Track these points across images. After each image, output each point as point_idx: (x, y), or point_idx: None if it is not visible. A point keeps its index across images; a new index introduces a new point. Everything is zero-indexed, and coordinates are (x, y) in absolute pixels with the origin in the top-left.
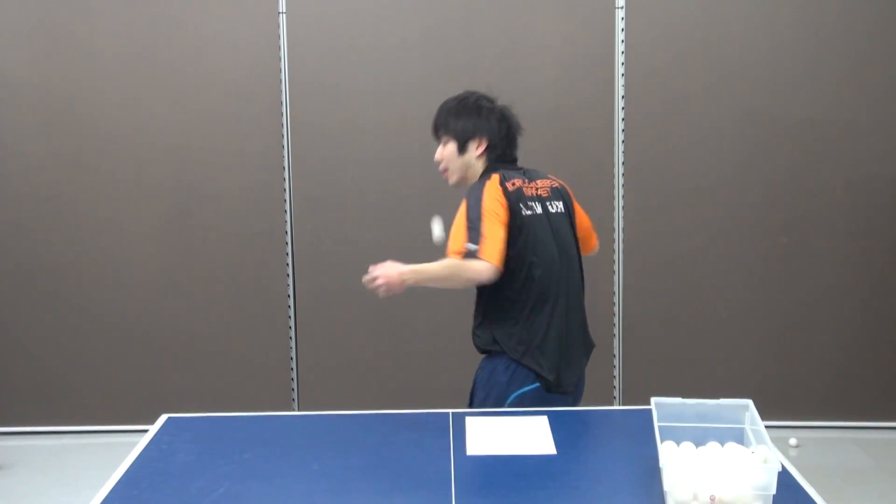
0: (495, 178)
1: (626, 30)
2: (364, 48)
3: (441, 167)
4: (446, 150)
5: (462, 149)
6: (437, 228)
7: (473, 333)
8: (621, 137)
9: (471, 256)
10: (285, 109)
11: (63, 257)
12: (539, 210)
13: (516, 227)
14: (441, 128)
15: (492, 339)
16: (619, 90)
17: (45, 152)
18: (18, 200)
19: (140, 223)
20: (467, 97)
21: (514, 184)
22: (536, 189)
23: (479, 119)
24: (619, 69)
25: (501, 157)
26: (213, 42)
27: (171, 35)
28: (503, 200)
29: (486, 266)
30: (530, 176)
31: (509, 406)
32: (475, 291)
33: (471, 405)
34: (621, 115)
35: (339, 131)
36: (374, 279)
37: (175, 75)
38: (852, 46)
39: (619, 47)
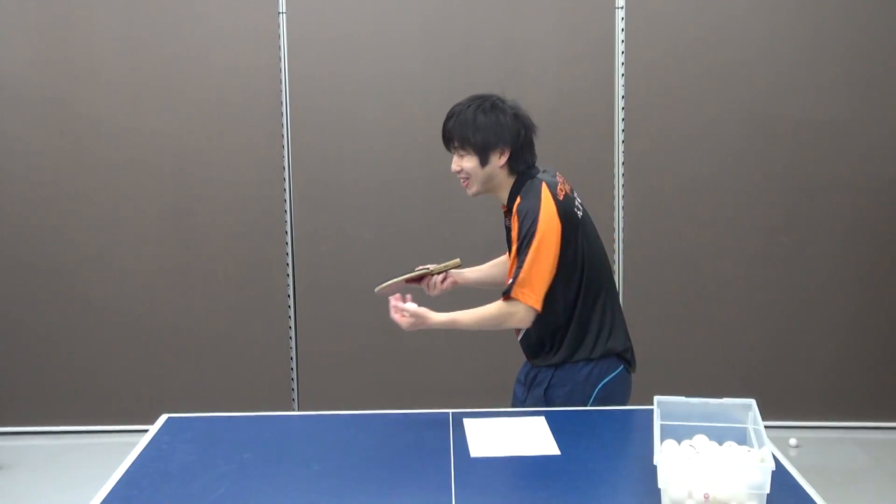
0: (545, 188)
1: (626, 29)
2: (364, 47)
3: (460, 176)
4: (466, 164)
5: (484, 162)
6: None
7: (545, 351)
8: (621, 137)
9: (510, 296)
10: (285, 109)
11: (63, 257)
12: (582, 208)
13: (574, 234)
14: (456, 140)
15: (570, 350)
16: (619, 89)
17: (45, 152)
18: (18, 200)
19: (140, 222)
20: (482, 104)
21: (560, 190)
22: (566, 185)
23: (499, 127)
24: (619, 69)
25: (526, 164)
26: (213, 42)
27: (171, 35)
28: (557, 221)
29: (528, 314)
30: (553, 174)
31: (593, 402)
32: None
33: (546, 404)
34: (621, 114)
35: (338, 130)
36: (401, 315)
37: (175, 75)
38: (852, 46)
39: (619, 47)
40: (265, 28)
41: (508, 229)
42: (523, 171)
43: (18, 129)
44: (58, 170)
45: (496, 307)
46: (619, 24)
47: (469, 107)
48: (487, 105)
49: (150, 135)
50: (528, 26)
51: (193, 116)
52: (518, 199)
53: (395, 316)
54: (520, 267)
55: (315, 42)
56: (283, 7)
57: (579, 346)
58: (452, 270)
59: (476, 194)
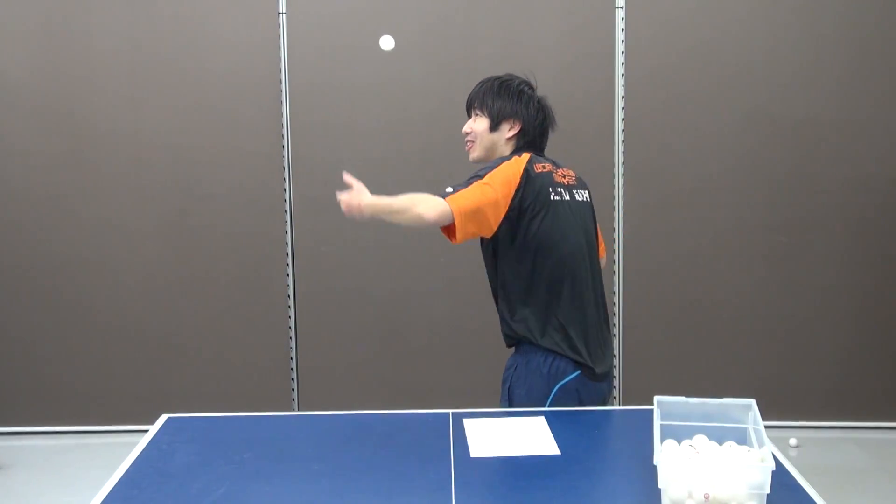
0: (526, 156)
1: (626, 30)
2: (364, 48)
3: (467, 139)
4: (477, 125)
5: (494, 127)
6: (386, 42)
7: (505, 324)
8: (621, 137)
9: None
10: (285, 109)
11: (63, 257)
12: (567, 197)
13: (541, 209)
14: (476, 102)
15: (524, 328)
16: (619, 90)
17: (45, 152)
18: (18, 200)
19: (140, 223)
20: (511, 80)
21: (543, 167)
22: (564, 176)
23: (518, 103)
24: (619, 69)
25: (530, 145)
26: (213, 42)
27: (170, 35)
28: (516, 180)
29: (442, 208)
30: (554, 163)
31: (551, 403)
32: (494, 283)
33: (510, 405)
34: (621, 115)
35: (339, 131)
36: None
37: (175, 75)
38: (852, 46)
39: (619, 47)
40: (265, 28)
41: None
42: (523, 147)
43: (18, 130)
44: (57, 170)
45: (420, 194)
46: (620, 25)
47: (499, 79)
48: (515, 83)
49: (149, 136)
50: (528, 27)
51: (193, 117)
52: None
53: (343, 196)
54: (465, 184)
55: (315, 42)
56: (283, 7)
57: (526, 327)
58: None
59: (476, 160)
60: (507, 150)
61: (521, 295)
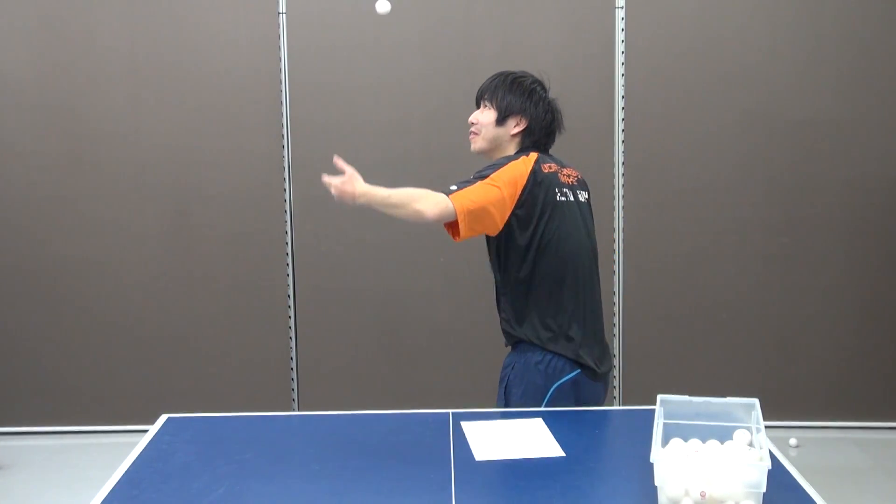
0: (533, 156)
1: (626, 30)
2: (364, 48)
3: (472, 129)
4: (483, 116)
5: (500, 121)
6: (382, 5)
7: (507, 324)
8: (621, 137)
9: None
10: (285, 109)
11: (63, 257)
12: (570, 197)
13: (541, 205)
14: (487, 93)
15: (531, 332)
16: (619, 90)
17: (45, 152)
18: (18, 200)
19: (140, 223)
20: (524, 77)
21: (549, 167)
22: (567, 176)
23: (528, 101)
24: (619, 69)
25: (535, 145)
26: (213, 42)
27: (170, 35)
28: (523, 180)
29: (445, 205)
30: (560, 163)
31: (548, 402)
32: (497, 283)
33: (506, 404)
34: (621, 115)
35: (339, 131)
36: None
37: (175, 75)
38: (852, 46)
39: (619, 47)
40: (265, 29)
41: None
42: (528, 146)
43: (17, 130)
44: (57, 170)
45: (418, 190)
46: (619, 25)
47: (513, 74)
48: (528, 80)
49: (149, 136)
50: (528, 27)
51: (193, 117)
52: None
53: (335, 180)
54: (469, 182)
55: (315, 42)
56: (283, 7)
57: (526, 328)
58: None
59: (478, 151)
60: (510, 146)
61: (524, 294)
